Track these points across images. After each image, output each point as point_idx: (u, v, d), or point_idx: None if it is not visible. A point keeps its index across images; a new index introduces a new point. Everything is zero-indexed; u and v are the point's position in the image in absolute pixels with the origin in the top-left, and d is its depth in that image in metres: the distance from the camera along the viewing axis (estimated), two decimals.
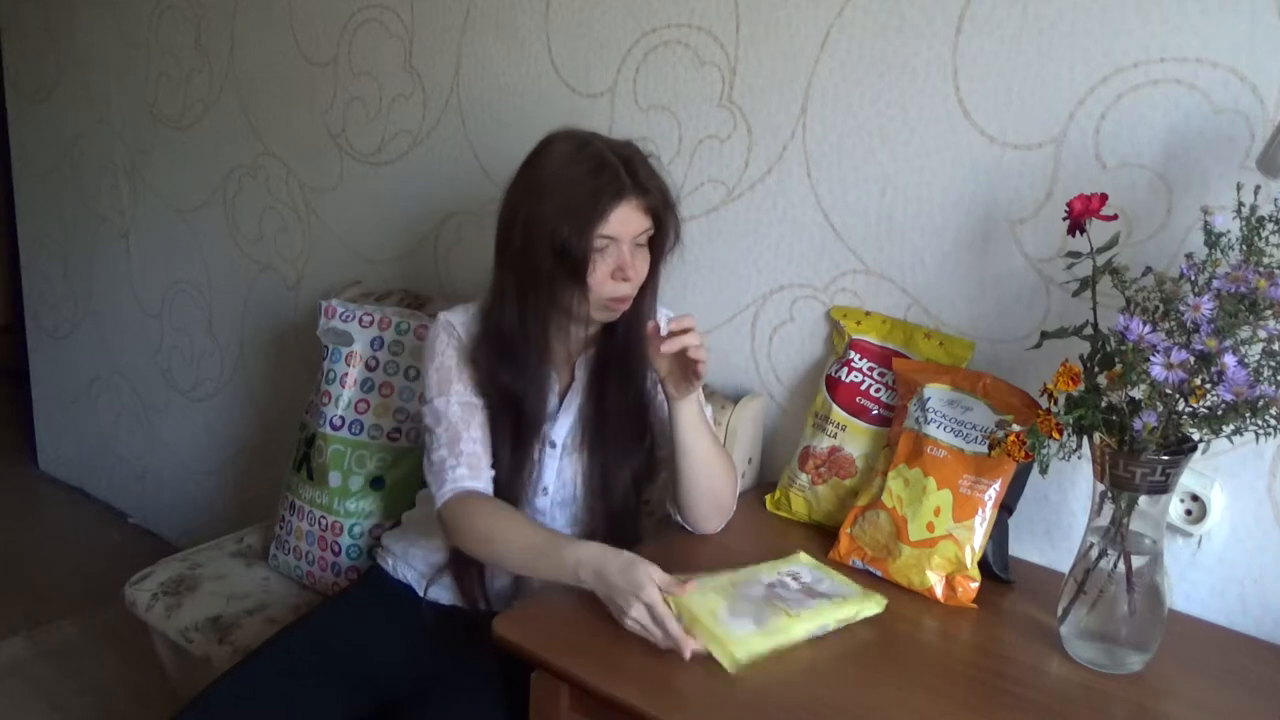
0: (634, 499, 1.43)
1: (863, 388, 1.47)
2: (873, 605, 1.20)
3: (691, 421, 1.32)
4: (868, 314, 1.50)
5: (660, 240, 1.34)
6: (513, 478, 1.37)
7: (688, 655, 1.08)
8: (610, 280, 1.29)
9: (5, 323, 3.73)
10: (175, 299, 2.68)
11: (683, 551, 1.35)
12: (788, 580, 1.22)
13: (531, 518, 1.38)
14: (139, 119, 2.65)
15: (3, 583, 2.62)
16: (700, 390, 1.35)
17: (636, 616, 1.12)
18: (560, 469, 1.41)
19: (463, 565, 1.41)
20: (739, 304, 1.65)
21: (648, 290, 1.36)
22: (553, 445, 1.41)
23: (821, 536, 1.42)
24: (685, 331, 1.23)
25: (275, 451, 2.40)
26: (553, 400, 1.41)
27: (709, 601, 1.13)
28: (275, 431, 2.45)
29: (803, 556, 1.29)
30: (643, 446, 1.41)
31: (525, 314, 1.33)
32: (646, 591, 1.11)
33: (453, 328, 1.39)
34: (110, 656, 2.30)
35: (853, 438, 1.45)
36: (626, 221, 1.27)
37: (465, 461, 1.33)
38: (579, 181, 1.27)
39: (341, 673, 1.36)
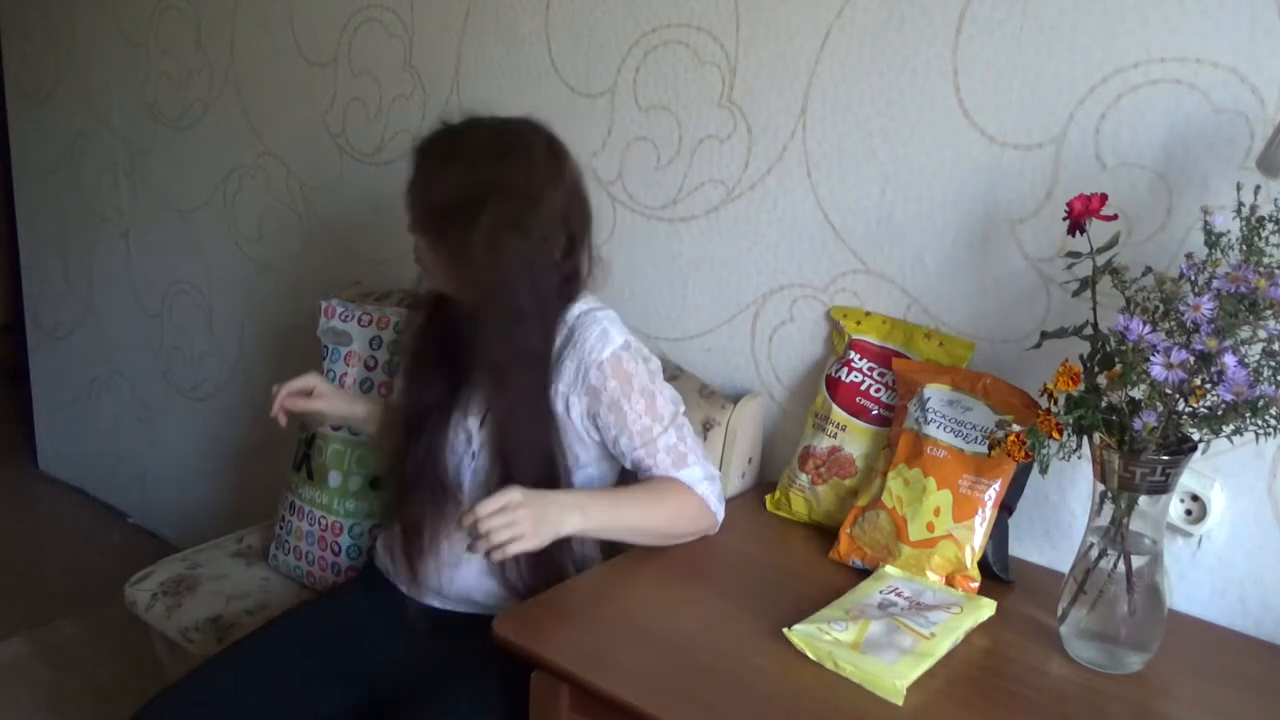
0: None
1: (863, 388, 1.47)
2: (986, 610, 1.20)
3: (594, 531, 1.27)
4: (868, 314, 1.50)
5: (439, 244, 1.30)
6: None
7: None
8: None
9: (5, 323, 3.73)
10: (175, 299, 2.68)
11: (683, 554, 1.35)
12: (893, 598, 1.21)
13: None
14: (139, 119, 2.65)
15: (3, 583, 2.62)
16: (584, 505, 1.26)
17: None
18: (475, 469, 1.39)
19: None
20: (739, 304, 1.65)
21: (479, 293, 1.29)
22: (468, 442, 1.39)
23: (821, 536, 1.42)
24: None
25: (275, 451, 2.40)
26: (477, 397, 1.39)
27: (839, 639, 1.11)
28: (275, 431, 2.43)
29: (889, 569, 1.28)
30: (542, 455, 1.34)
31: None
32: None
33: None
34: (110, 656, 2.30)
35: (853, 438, 1.45)
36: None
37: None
38: None
39: (332, 666, 1.36)
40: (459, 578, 1.38)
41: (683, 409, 1.37)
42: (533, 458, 1.31)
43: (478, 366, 1.34)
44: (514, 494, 1.18)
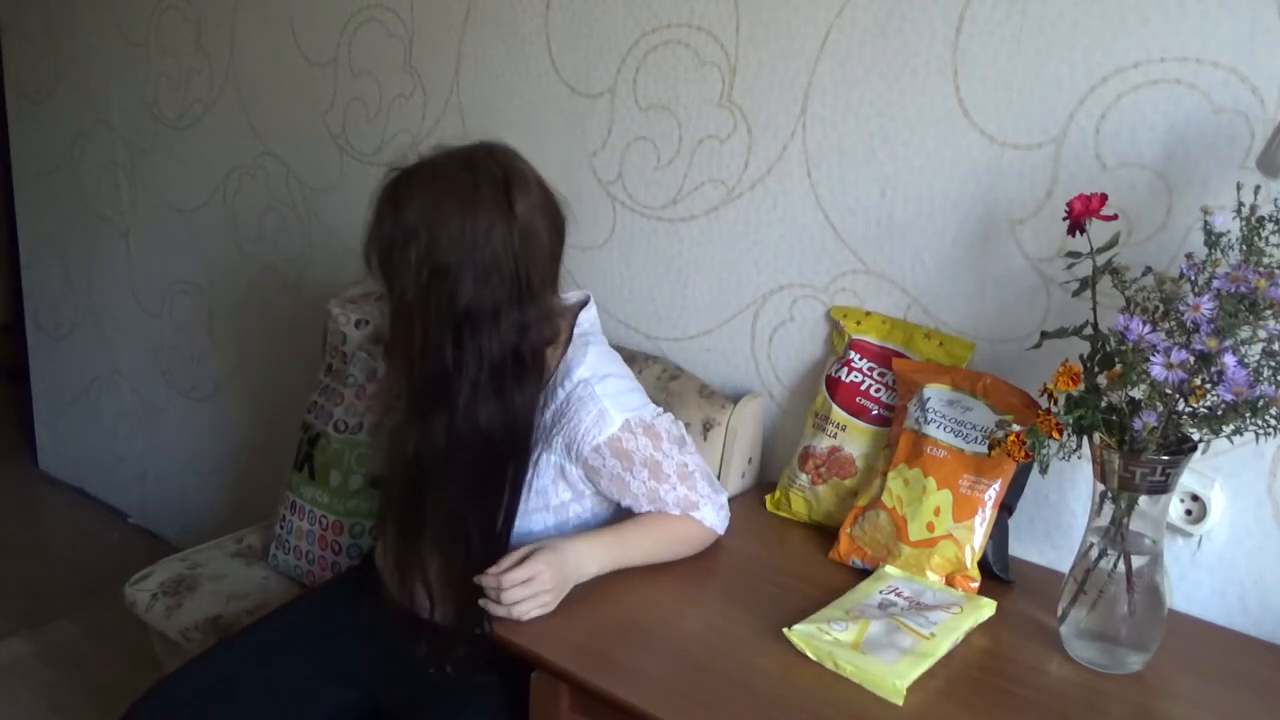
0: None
1: (863, 388, 1.46)
2: (986, 610, 1.20)
3: (604, 572, 1.26)
4: (868, 314, 1.50)
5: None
6: None
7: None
8: None
9: (5, 323, 3.72)
10: (175, 299, 2.68)
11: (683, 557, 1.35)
12: (893, 598, 1.21)
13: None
14: (139, 119, 2.65)
15: (3, 583, 2.62)
16: (598, 547, 1.25)
17: None
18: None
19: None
20: (739, 304, 1.65)
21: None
22: None
23: (821, 536, 1.42)
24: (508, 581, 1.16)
25: (275, 451, 2.40)
26: None
27: (839, 639, 1.11)
28: (275, 431, 2.45)
29: (889, 569, 1.28)
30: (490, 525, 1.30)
31: None
32: None
33: None
34: (110, 656, 2.30)
35: (853, 438, 1.45)
36: None
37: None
38: None
39: (330, 663, 1.36)
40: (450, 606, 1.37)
41: (690, 456, 1.32)
42: (479, 528, 1.28)
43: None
44: (539, 565, 1.16)
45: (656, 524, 1.30)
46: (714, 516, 1.33)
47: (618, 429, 1.26)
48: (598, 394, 1.26)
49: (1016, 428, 1.15)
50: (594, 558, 1.24)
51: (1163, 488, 1.07)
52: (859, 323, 1.50)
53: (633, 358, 1.68)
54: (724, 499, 1.36)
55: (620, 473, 1.28)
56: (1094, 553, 1.12)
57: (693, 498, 1.31)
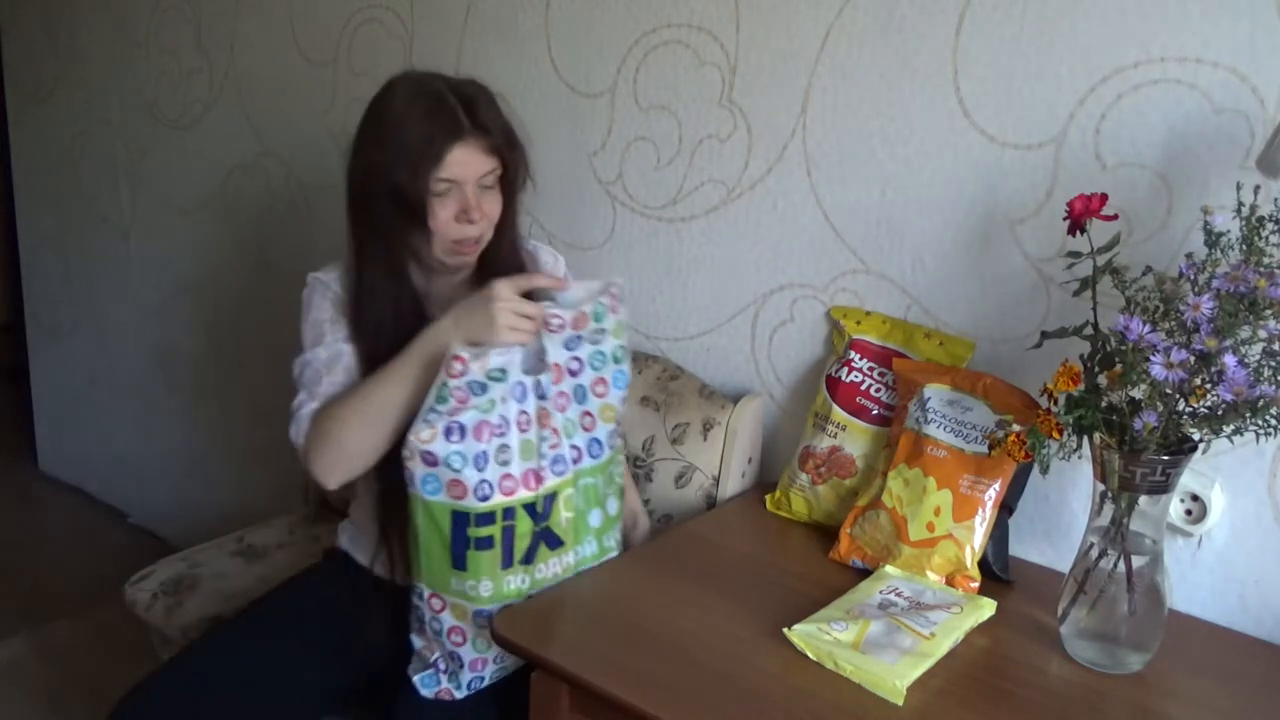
0: None
1: (863, 388, 1.47)
2: (987, 610, 1.20)
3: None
4: (868, 314, 1.50)
5: (509, 179, 1.34)
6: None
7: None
8: (455, 223, 1.30)
9: (5, 323, 3.73)
10: (175, 299, 2.68)
11: (683, 554, 1.35)
12: (893, 598, 1.21)
13: None
14: (139, 119, 2.65)
15: (3, 583, 2.62)
16: None
17: (503, 310, 1.19)
18: None
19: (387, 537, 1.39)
20: (739, 304, 1.65)
21: (504, 234, 1.37)
22: None
23: (821, 536, 1.42)
24: None
25: (275, 451, 2.40)
26: None
27: (839, 639, 1.11)
28: (275, 431, 2.45)
29: (889, 569, 1.28)
30: None
31: (369, 266, 1.34)
32: (495, 289, 1.20)
33: (327, 286, 1.43)
34: (110, 656, 2.30)
35: (853, 438, 1.46)
36: (466, 163, 1.28)
37: (320, 399, 1.36)
38: (416, 124, 1.27)
39: (320, 645, 1.34)
40: None
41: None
42: None
43: None
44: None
45: None
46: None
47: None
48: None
49: (1016, 428, 1.15)
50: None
51: (1163, 488, 1.07)
52: (859, 323, 1.50)
53: (633, 358, 1.68)
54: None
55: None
56: (1094, 553, 1.12)
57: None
